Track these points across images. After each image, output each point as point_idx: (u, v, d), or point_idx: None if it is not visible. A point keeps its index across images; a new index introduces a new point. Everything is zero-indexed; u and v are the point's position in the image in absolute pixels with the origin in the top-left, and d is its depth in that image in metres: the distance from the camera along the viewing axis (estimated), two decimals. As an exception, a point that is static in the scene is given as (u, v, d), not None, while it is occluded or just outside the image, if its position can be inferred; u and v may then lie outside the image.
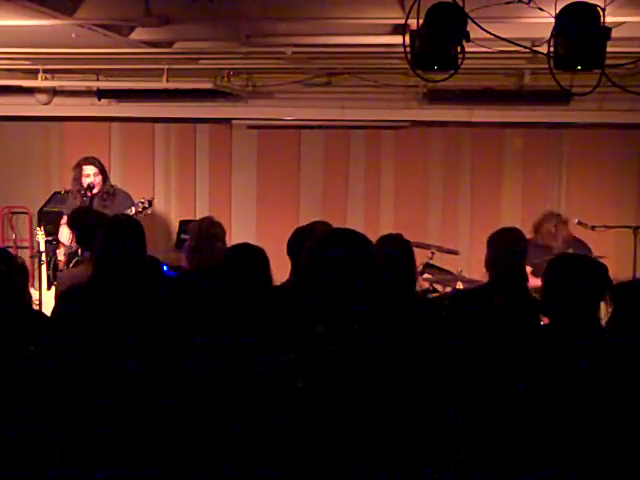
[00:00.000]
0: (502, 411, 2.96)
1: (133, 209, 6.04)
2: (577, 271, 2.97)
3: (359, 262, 2.36)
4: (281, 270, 4.13)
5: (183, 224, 8.08)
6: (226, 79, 7.35)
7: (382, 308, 2.47)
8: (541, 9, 3.80)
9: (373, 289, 2.38)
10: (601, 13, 3.70)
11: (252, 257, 3.30)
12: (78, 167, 6.24)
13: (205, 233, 4.59)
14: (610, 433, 2.74)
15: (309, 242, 2.47)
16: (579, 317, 2.90)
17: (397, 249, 3.93)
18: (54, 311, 3.92)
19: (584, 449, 2.75)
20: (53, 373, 3.23)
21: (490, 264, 4.21)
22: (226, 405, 2.95)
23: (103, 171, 6.24)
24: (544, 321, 4.58)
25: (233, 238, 7.76)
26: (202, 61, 6.61)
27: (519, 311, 4.00)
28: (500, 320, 3.81)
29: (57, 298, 4.44)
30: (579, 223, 6.77)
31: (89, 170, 6.18)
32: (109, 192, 6.20)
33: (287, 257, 4.10)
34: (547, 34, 3.82)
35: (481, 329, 3.77)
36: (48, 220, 7.37)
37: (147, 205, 6.15)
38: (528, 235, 6.60)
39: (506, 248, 4.17)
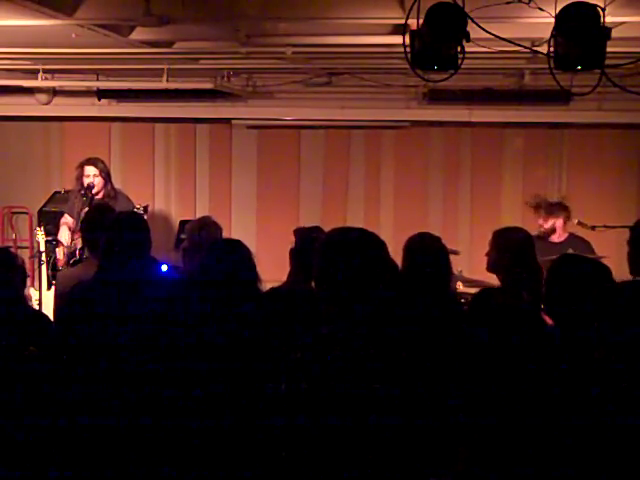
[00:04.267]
0: (505, 412, 2.96)
1: None
2: (581, 273, 2.96)
3: (368, 262, 2.36)
4: (281, 269, 4.13)
5: (183, 224, 8.07)
6: (226, 79, 7.35)
7: (388, 308, 2.47)
8: (541, 9, 3.80)
9: (381, 289, 2.38)
10: (601, 13, 3.69)
11: (227, 252, 3.31)
12: (80, 167, 6.25)
13: (199, 234, 4.59)
14: (615, 435, 2.73)
15: (320, 243, 2.48)
16: (582, 319, 2.89)
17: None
18: (58, 311, 3.91)
19: (587, 450, 2.74)
20: (56, 373, 3.23)
21: (501, 266, 4.17)
22: (228, 404, 2.95)
23: (105, 173, 6.22)
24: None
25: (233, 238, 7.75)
26: (202, 61, 6.60)
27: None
28: (508, 321, 3.79)
29: (57, 297, 4.44)
30: (579, 223, 6.75)
31: (89, 171, 6.19)
32: (110, 195, 6.19)
33: (286, 257, 4.10)
34: (547, 34, 3.82)
35: (485, 329, 3.75)
36: (48, 220, 7.36)
37: (142, 212, 6.12)
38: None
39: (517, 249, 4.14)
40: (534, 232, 6.58)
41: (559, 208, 6.52)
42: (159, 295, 3.47)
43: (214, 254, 3.40)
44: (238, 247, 3.40)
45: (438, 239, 4.05)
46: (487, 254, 4.34)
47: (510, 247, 4.14)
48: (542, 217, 6.45)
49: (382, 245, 2.46)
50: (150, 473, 3.03)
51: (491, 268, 4.29)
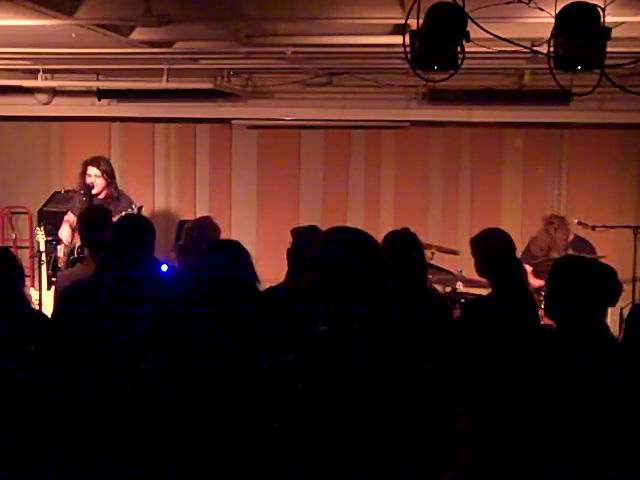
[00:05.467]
0: (507, 414, 2.95)
1: (123, 213, 5.99)
2: (583, 274, 2.93)
3: (363, 262, 2.36)
4: (281, 269, 4.13)
5: (183, 224, 8.07)
6: (226, 79, 7.35)
7: (386, 306, 2.48)
8: (541, 9, 3.79)
9: (377, 288, 2.38)
10: (601, 13, 3.69)
11: (229, 253, 3.32)
12: (83, 165, 6.25)
13: (197, 233, 4.60)
14: (616, 437, 2.72)
15: (313, 242, 2.48)
16: (585, 321, 2.87)
17: (403, 245, 3.96)
18: (54, 310, 3.92)
19: (589, 452, 2.74)
20: (53, 373, 3.23)
21: (485, 270, 4.19)
22: (227, 404, 2.95)
23: (108, 175, 6.20)
24: (544, 320, 4.60)
25: (233, 238, 7.73)
26: (202, 61, 6.60)
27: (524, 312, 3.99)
28: (509, 323, 3.79)
29: (57, 298, 4.44)
30: (579, 223, 6.76)
31: (91, 171, 6.18)
32: (113, 197, 6.18)
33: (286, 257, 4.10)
34: (547, 34, 3.82)
35: (489, 331, 3.76)
36: (48, 220, 7.36)
37: (136, 212, 6.08)
38: (528, 238, 6.67)
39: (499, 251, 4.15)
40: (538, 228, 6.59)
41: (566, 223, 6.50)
42: (157, 295, 3.47)
43: (213, 254, 3.41)
44: (237, 248, 3.41)
45: (407, 234, 4.06)
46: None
47: (488, 251, 4.15)
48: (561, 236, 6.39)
49: (376, 245, 2.46)
50: (148, 472, 3.03)
51: (478, 273, 4.32)
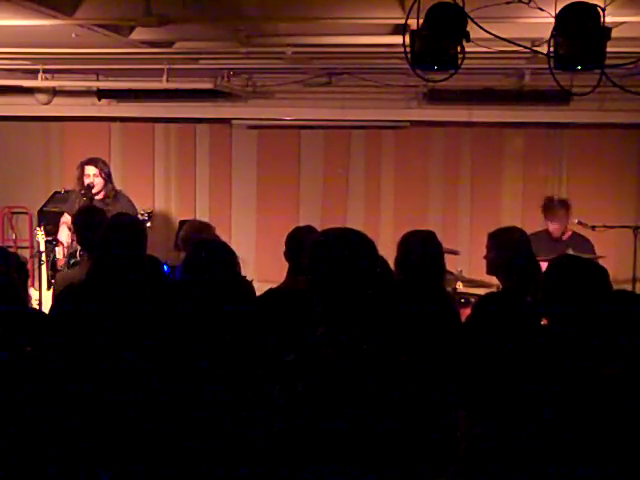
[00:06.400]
0: (503, 413, 2.96)
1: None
2: (577, 274, 2.95)
3: (360, 262, 2.36)
4: (281, 269, 4.14)
5: (183, 224, 8.08)
6: (226, 79, 7.35)
7: (386, 307, 2.47)
8: (541, 9, 3.79)
9: (377, 288, 2.38)
10: (601, 13, 3.69)
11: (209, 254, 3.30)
12: (80, 167, 6.27)
13: (185, 236, 4.62)
14: (613, 434, 2.73)
15: (310, 243, 2.47)
16: (578, 320, 2.89)
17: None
18: (51, 311, 3.92)
19: (586, 450, 2.74)
20: (50, 373, 3.23)
21: (501, 267, 4.15)
22: (226, 405, 2.95)
23: (105, 174, 6.23)
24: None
25: (233, 238, 7.75)
26: (202, 61, 6.60)
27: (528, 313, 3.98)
28: (513, 323, 3.78)
29: (54, 298, 4.45)
30: (579, 223, 6.76)
31: (89, 171, 6.21)
32: (111, 196, 6.20)
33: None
34: (547, 34, 3.82)
35: (490, 332, 3.74)
36: (48, 220, 7.36)
37: (147, 218, 6.08)
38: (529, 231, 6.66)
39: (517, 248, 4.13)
40: (538, 228, 6.59)
41: (567, 207, 6.48)
42: (153, 294, 3.47)
43: (196, 254, 3.39)
44: (221, 248, 3.38)
45: (432, 236, 4.04)
46: (485, 257, 4.33)
47: (508, 247, 4.13)
48: (557, 221, 6.36)
49: (374, 246, 2.45)
50: (146, 473, 3.03)
51: (490, 270, 4.28)
